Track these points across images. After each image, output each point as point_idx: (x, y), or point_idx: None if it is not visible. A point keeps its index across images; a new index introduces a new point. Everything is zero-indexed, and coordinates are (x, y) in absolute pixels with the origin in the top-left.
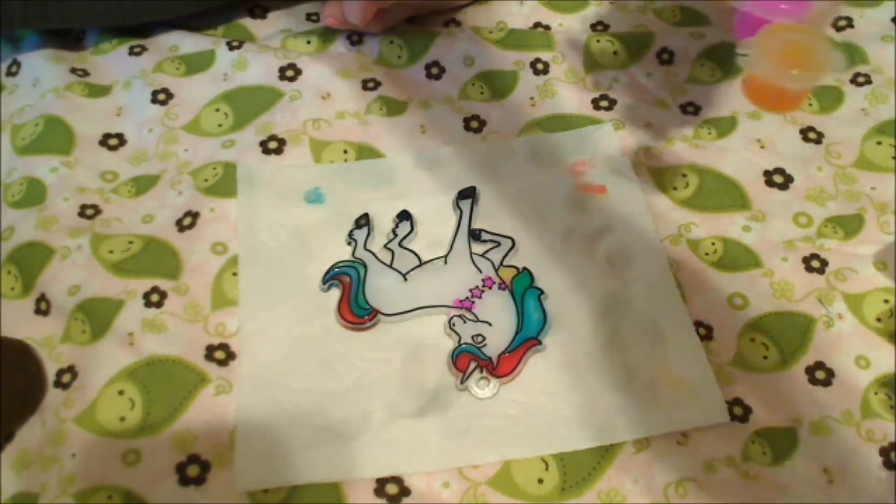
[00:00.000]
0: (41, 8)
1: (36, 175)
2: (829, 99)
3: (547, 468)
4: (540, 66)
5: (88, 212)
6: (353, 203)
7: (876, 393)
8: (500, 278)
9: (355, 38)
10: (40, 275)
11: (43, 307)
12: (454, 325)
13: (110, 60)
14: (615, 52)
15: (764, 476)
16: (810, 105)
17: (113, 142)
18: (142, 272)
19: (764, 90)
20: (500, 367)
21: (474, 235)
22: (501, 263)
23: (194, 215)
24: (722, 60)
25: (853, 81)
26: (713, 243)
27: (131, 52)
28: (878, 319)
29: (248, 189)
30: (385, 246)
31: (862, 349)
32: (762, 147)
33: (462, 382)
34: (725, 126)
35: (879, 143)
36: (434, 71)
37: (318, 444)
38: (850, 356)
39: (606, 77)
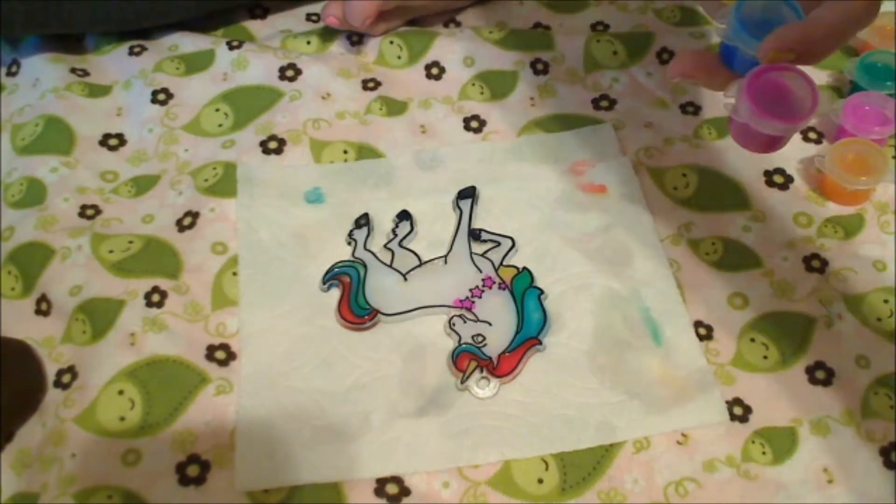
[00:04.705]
0: (42, 14)
1: (36, 175)
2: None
3: (547, 468)
4: (540, 66)
5: (88, 212)
6: (353, 203)
7: (876, 393)
8: (500, 278)
9: (355, 38)
10: (41, 275)
11: (43, 307)
12: (454, 324)
13: (110, 60)
14: (615, 52)
15: (764, 476)
16: None
17: (113, 142)
18: (142, 272)
19: (839, 190)
20: (500, 367)
21: (474, 235)
22: (501, 263)
23: (194, 215)
24: None
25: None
26: (713, 243)
27: (131, 52)
28: (878, 319)
29: (248, 189)
30: (385, 246)
31: (862, 349)
32: None
33: (462, 382)
34: (725, 126)
35: None
36: (434, 71)
37: (318, 444)
38: (850, 356)
39: (606, 77)
